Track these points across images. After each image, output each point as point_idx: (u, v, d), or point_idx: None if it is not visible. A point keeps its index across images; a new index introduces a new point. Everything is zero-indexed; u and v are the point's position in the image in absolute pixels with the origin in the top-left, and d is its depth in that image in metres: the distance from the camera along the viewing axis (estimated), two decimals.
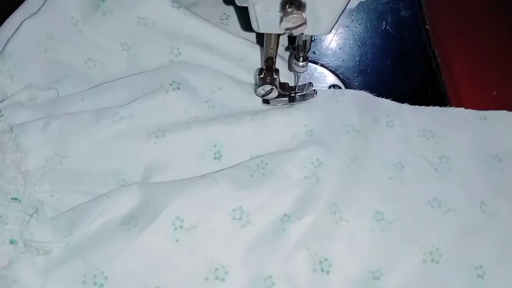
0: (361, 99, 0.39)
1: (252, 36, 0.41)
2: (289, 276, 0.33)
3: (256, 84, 0.37)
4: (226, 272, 0.32)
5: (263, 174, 0.35)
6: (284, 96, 0.38)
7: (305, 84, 0.38)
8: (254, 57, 0.40)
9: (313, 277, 0.33)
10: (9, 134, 0.34)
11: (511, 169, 0.37)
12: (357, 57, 0.43)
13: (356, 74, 0.42)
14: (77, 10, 0.40)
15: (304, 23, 0.29)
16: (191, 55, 0.40)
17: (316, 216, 0.34)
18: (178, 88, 0.38)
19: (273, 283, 0.32)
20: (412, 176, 0.36)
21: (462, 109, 0.40)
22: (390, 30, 0.45)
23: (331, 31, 0.31)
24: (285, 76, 0.39)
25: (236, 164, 0.36)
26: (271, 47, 0.34)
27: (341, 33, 0.45)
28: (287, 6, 0.29)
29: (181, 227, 0.33)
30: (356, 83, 0.42)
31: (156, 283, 0.32)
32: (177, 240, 0.33)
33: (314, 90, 0.38)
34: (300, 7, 0.29)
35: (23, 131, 0.35)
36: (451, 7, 0.48)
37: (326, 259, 0.33)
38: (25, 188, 0.33)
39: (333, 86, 0.41)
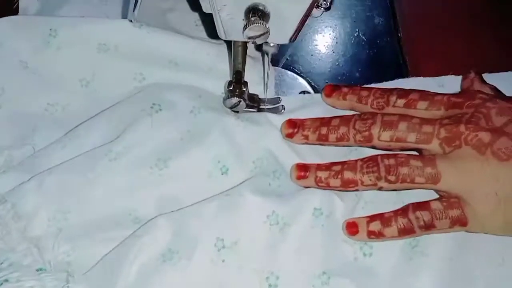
0: None
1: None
2: (341, 267, 0.34)
3: (225, 95, 0.38)
4: (277, 277, 0.33)
5: (278, 178, 0.37)
6: (253, 107, 0.39)
7: (274, 98, 0.39)
8: (222, 67, 0.40)
9: (360, 264, 0.34)
10: (4, 204, 0.33)
11: None
12: (328, 64, 0.44)
13: (326, 81, 0.43)
14: (24, 51, 0.38)
15: (267, 32, 0.29)
16: (156, 76, 0.39)
17: (347, 204, 0.35)
18: (160, 110, 0.37)
19: (329, 278, 0.33)
20: None
21: (422, 78, 0.41)
22: (363, 37, 0.45)
23: (295, 40, 0.32)
24: (256, 81, 0.39)
25: (251, 177, 0.36)
26: (239, 61, 0.35)
27: (314, 39, 0.45)
28: (251, 15, 0.29)
29: (223, 247, 0.33)
30: None
31: None
32: (223, 261, 0.33)
33: (282, 105, 0.39)
34: (264, 16, 0.29)
35: (19, 197, 0.34)
36: (424, 15, 0.48)
37: (366, 244, 0.34)
38: (43, 256, 0.32)
39: (303, 92, 0.42)
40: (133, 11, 0.35)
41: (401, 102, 0.35)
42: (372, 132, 0.34)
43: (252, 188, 0.35)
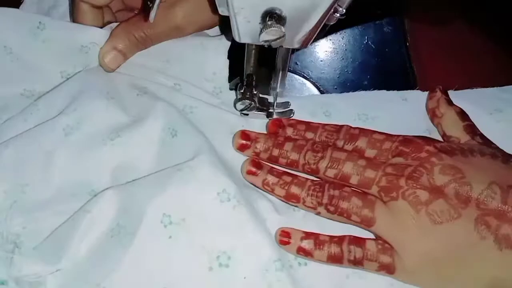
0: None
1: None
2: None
3: (236, 98, 0.39)
4: (229, 258, 0.32)
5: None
6: (263, 110, 0.39)
7: (284, 102, 0.40)
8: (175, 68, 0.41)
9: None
10: None
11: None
12: (337, 70, 0.44)
13: (335, 87, 0.43)
14: (10, 38, 0.39)
15: (283, 36, 0.30)
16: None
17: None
18: (113, 98, 0.38)
19: (283, 266, 0.32)
20: None
21: (384, 91, 0.41)
22: (372, 45, 0.46)
23: (309, 45, 0.32)
24: None
25: (203, 153, 0.36)
26: (251, 65, 0.36)
27: (324, 46, 0.46)
28: (267, 19, 0.30)
29: (170, 223, 0.33)
30: None
31: (161, 285, 0.32)
32: (170, 237, 0.33)
33: (291, 110, 0.39)
34: (280, 20, 0.30)
35: None
36: (432, 25, 0.49)
37: None
38: None
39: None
40: (151, 12, 0.36)
41: (348, 148, 0.35)
42: (319, 166, 0.34)
43: (204, 164, 0.35)
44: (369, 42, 0.46)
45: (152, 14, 0.34)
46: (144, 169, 0.36)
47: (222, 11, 0.32)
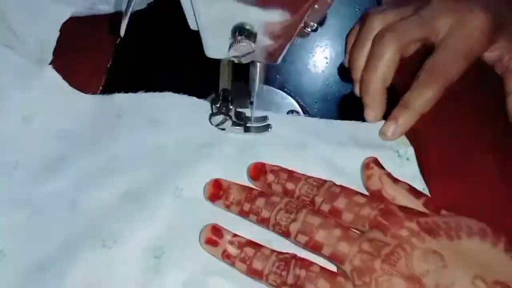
0: None
1: None
2: None
3: (211, 113, 0.38)
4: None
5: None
6: (240, 125, 0.38)
7: (261, 116, 0.39)
8: None
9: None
10: None
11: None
12: (318, 84, 0.44)
13: (315, 101, 0.43)
14: None
15: (252, 51, 0.29)
16: None
17: None
18: None
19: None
20: None
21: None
22: None
23: (280, 60, 0.31)
24: None
25: None
26: (225, 79, 0.35)
27: (304, 59, 0.45)
28: (237, 34, 0.29)
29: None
30: (315, 110, 0.42)
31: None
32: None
33: (269, 124, 0.38)
34: (250, 36, 0.29)
35: None
36: None
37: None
38: None
39: (291, 111, 0.42)
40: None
41: (326, 207, 0.32)
42: (291, 229, 0.31)
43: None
44: None
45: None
46: None
47: (192, 25, 0.31)
